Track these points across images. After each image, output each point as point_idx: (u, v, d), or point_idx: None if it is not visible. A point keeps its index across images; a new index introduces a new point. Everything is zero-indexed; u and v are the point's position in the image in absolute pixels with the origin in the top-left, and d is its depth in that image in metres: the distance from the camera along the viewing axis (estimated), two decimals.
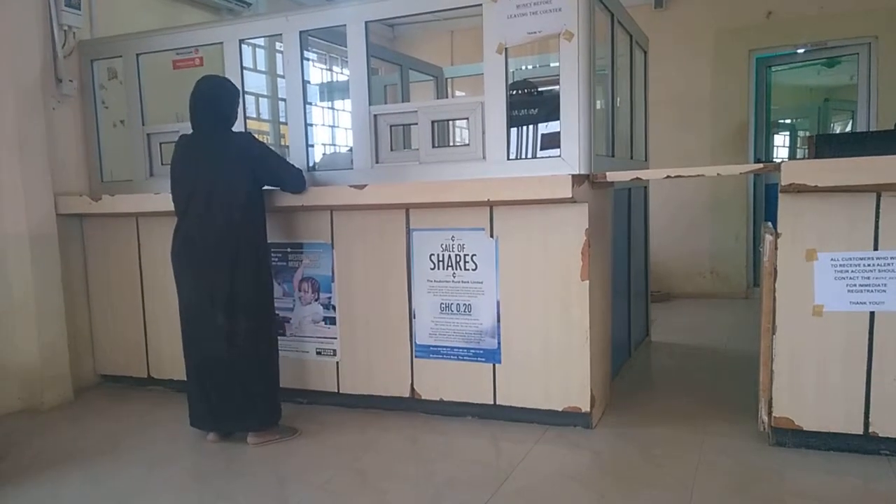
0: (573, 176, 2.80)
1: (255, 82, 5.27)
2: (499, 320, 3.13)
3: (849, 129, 8.24)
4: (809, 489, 2.44)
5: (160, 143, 3.78)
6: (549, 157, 3.11)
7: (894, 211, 2.49)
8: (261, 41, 5.08)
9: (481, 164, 3.06)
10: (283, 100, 4.03)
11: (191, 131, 3.07)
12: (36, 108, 3.63)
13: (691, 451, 2.79)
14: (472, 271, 3.16)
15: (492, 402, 3.19)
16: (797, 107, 9.03)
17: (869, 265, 2.54)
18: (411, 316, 3.29)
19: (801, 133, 9.04)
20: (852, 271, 2.56)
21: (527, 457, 2.80)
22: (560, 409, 3.05)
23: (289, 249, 3.50)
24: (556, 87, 2.98)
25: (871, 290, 2.54)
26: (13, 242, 3.58)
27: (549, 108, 3.48)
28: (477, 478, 2.63)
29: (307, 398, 3.54)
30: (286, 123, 3.58)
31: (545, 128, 3.62)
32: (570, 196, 2.78)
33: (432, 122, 3.20)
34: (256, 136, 3.68)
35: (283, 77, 3.63)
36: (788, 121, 9.08)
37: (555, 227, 2.98)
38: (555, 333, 3.03)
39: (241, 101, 3.20)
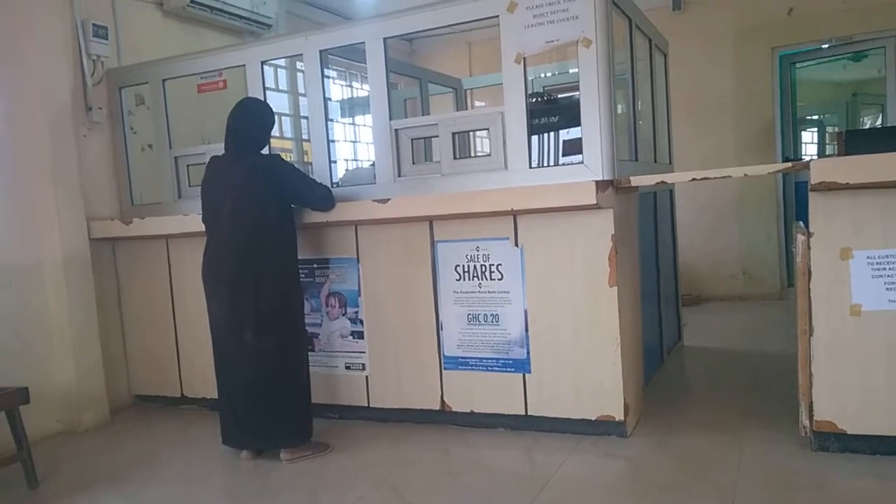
0: (597, 182, 2.77)
1: (277, 101, 5.34)
2: (527, 329, 3.11)
3: (879, 123, 8.07)
4: (857, 496, 2.36)
5: (187, 166, 3.85)
6: (572, 163, 3.10)
7: None
8: (282, 61, 5.15)
9: (503, 173, 3.05)
10: (306, 117, 4.08)
11: (221, 152, 3.13)
12: (68, 136, 3.72)
13: (730, 458, 2.73)
14: (499, 281, 3.14)
15: (523, 413, 3.16)
16: (824, 102, 8.87)
17: None
18: (439, 327, 3.29)
19: (829, 129, 8.87)
20: (890, 269, 2.49)
21: (561, 467, 2.76)
22: (593, 419, 3.02)
23: (315, 265, 3.52)
24: (576, 93, 2.97)
25: None
26: (49, 267, 3.66)
27: (569, 114, 3.46)
28: (511, 490, 2.60)
29: (338, 413, 3.55)
30: (309, 140, 3.62)
31: (566, 134, 3.61)
32: (595, 202, 2.76)
33: (453, 134, 3.20)
34: (281, 154, 3.72)
35: (304, 95, 3.68)
36: (816, 117, 8.92)
37: (580, 234, 2.96)
38: (585, 341, 3.00)
39: (273, 125, 3.25)
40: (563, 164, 3.40)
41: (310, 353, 3.36)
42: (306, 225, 3.33)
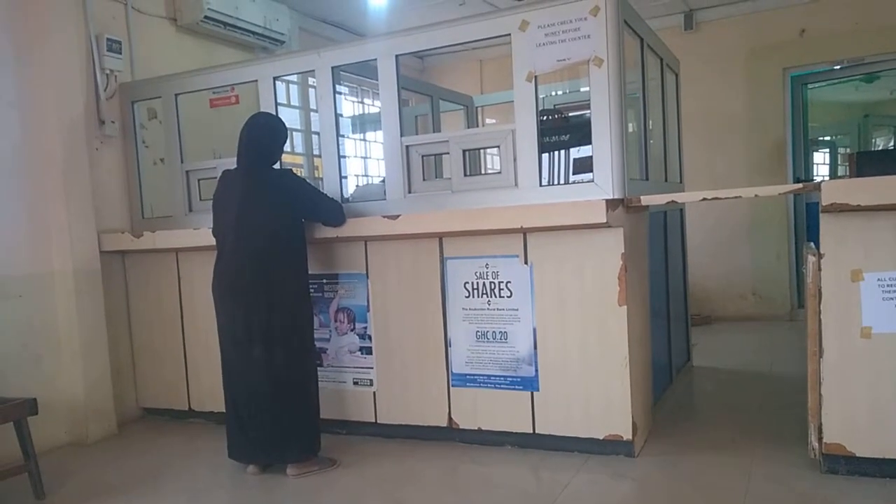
0: (607, 201, 2.77)
1: (288, 117, 5.38)
2: (535, 347, 3.10)
3: (891, 145, 8.03)
4: None
5: (199, 180, 3.88)
6: (582, 182, 3.10)
7: None
8: (294, 77, 5.20)
9: (514, 191, 3.06)
10: (317, 133, 4.10)
11: (234, 166, 3.15)
12: (80, 149, 3.76)
13: (739, 479, 2.70)
14: (508, 298, 3.14)
15: (531, 431, 3.14)
16: (836, 123, 8.84)
17: None
18: (447, 344, 3.28)
19: (841, 150, 8.84)
20: None
21: (568, 486, 2.74)
22: (601, 438, 2.99)
23: (325, 280, 3.53)
24: (588, 111, 2.98)
25: None
26: (59, 279, 3.68)
27: (580, 133, 3.47)
28: None
29: (345, 428, 3.54)
30: (320, 156, 3.64)
31: (577, 152, 3.61)
32: (605, 221, 2.76)
33: (463, 151, 3.21)
34: (293, 169, 3.74)
35: (315, 111, 3.70)
36: (828, 138, 8.89)
37: (590, 253, 2.96)
38: (593, 360, 2.98)
39: (286, 140, 3.27)
40: (574, 183, 3.40)
41: (318, 368, 3.36)
42: (316, 240, 3.34)
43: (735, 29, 6.03)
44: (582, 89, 4.73)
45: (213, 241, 3.18)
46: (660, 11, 5.95)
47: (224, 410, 3.18)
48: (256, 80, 3.66)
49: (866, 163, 3.26)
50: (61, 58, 3.69)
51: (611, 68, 2.85)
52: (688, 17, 6.11)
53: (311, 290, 3.38)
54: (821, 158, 8.85)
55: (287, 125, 3.31)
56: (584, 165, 3.33)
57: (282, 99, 5.11)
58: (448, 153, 3.24)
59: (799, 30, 5.81)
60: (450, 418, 3.30)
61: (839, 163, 8.73)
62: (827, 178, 6.52)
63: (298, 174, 3.65)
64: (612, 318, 2.93)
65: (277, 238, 3.03)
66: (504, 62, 3.14)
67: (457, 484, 2.92)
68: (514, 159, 3.06)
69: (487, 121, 5.77)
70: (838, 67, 6.00)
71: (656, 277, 3.65)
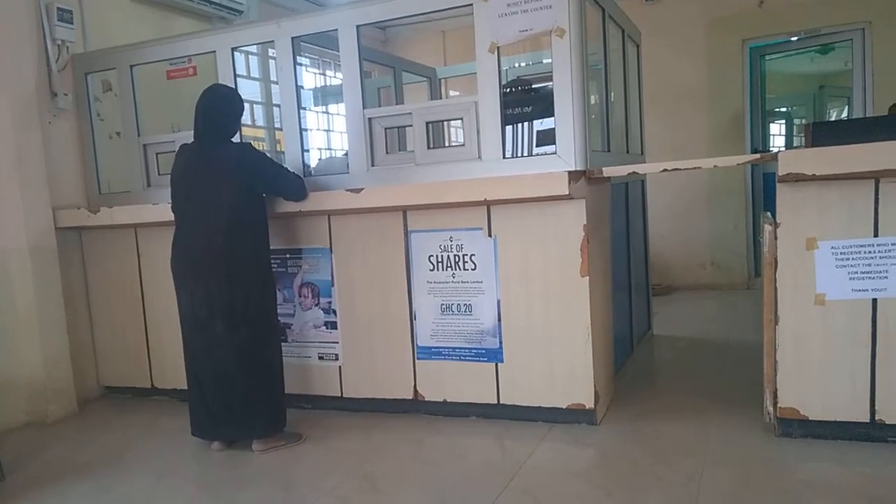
0: (569, 172, 2.79)
1: (248, 89, 5.27)
2: (500, 319, 3.13)
3: (845, 115, 8.22)
4: (818, 479, 2.43)
5: (157, 154, 3.79)
6: (545, 154, 3.11)
7: (893, 197, 2.49)
8: (253, 48, 5.08)
9: (477, 163, 3.06)
10: (278, 106, 4.02)
11: (191, 140, 3.08)
12: (32, 122, 3.63)
13: (698, 444, 2.79)
14: (472, 271, 3.15)
15: (495, 402, 3.19)
16: (793, 95, 9.01)
17: (870, 252, 2.53)
18: (412, 317, 3.29)
19: (797, 121, 9.03)
20: (853, 259, 2.55)
21: (532, 455, 2.80)
22: (564, 407, 3.05)
23: (288, 255, 3.50)
24: (550, 83, 2.98)
25: (873, 277, 2.54)
26: (14, 257, 3.58)
27: (543, 105, 3.48)
28: (483, 478, 2.63)
29: (311, 403, 3.54)
30: (281, 129, 3.58)
31: (540, 124, 3.62)
32: (567, 193, 2.78)
33: (427, 124, 3.20)
34: (253, 143, 3.67)
35: (276, 83, 3.63)
36: (784, 109, 9.06)
37: (553, 224, 2.98)
38: (556, 331, 3.03)
39: (243, 112, 3.21)
40: (537, 155, 3.41)
41: (283, 344, 3.34)
42: (278, 214, 3.30)
43: (695, 0, 6.06)
44: (545, 61, 4.73)
45: (172, 216, 3.12)
46: None
47: (187, 387, 3.15)
48: (214, 51, 3.57)
49: (821, 133, 3.32)
50: (9, 28, 3.54)
51: (573, 39, 2.85)
52: None
53: (274, 266, 3.35)
54: (777, 129, 9.03)
55: (247, 98, 3.24)
56: (547, 137, 3.34)
57: (241, 70, 4.99)
58: (411, 125, 3.22)
59: (757, 1, 5.87)
60: (416, 391, 3.33)
61: (795, 133, 8.92)
62: (783, 149, 6.67)
63: (258, 148, 3.59)
64: (574, 289, 2.97)
65: (237, 213, 2.97)
66: (467, 33, 3.11)
67: (423, 455, 2.95)
68: (478, 132, 3.05)
69: (451, 93, 5.73)
70: (795, 39, 6.09)
71: (618, 248, 3.71)
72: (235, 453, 3.06)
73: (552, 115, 2.97)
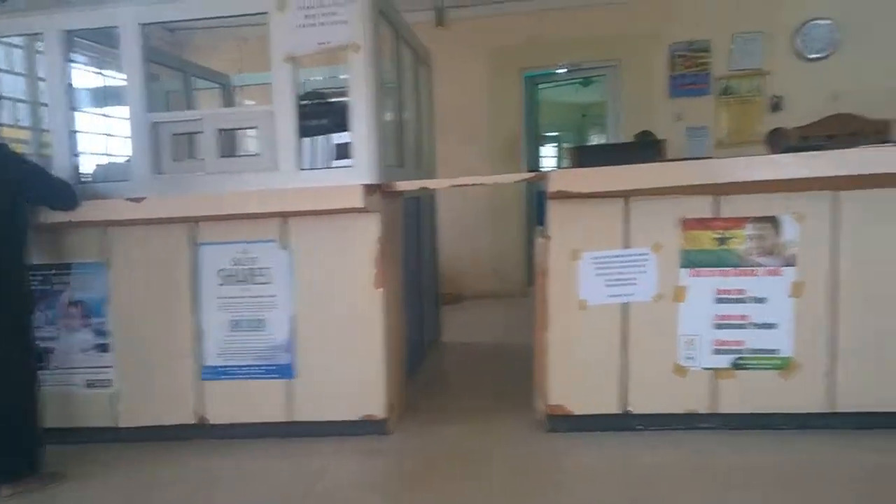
0: (364, 186, 2.86)
1: (11, 85, 4.62)
2: (293, 334, 3.10)
3: (604, 140, 9.35)
4: (580, 467, 2.74)
5: None
6: (341, 167, 3.15)
7: (639, 213, 2.90)
8: (18, 39, 4.48)
9: (273, 174, 3.01)
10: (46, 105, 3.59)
11: None
12: None
13: (482, 444, 2.98)
14: (266, 285, 3.09)
15: (288, 420, 3.13)
16: (562, 121, 10.06)
17: (622, 261, 2.92)
18: (199, 336, 3.13)
19: (565, 144, 10.08)
20: (609, 267, 2.92)
21: (325, 471, 2.79)
22: (357, 419, 3.09)
23: (53, 271, 3.15)
24: (347, 98, 3.03)
25: (624, 284, 2.93)
26: None
27: (338, 118, 3.51)
28: (275, 501, 2.58)
29: (79, 437, 3.17)
30: (48, 131, 3.21)
31: (339, 138, 3.65)
32: (363, 205, 2.85)
33: (219, 131, 3.08)
34: (10, 145, 3.25)
35: (44, 80, 3.25)
36: (555, 133, 10.08)
37: (348, 237, 3.03)
38: (350, 343, 3.06)
39: None
40: (333, 168, 3.44)
41: (41, 371, 2.96)
42: (44, 225, 2.96)
43: (480, 29, 6.51)
44: (342, 77, 4.78)
45: None
46: (414, 6, 6.20)
47: None
48: None
49: (583, 156, 3.76)
50: None
51: (367, 56, 2.93)
52: (440, 13, 6.46)
53: (35, 283, 3.00)
54: (550, 151, 10.00)
55: (8, 94, 2.86)
56: (346, 151, 3.38)
57: (2, 64, 4.37)
58: (202, 132, 3.08)
59: (531, 35, 6.47)
60: (202, 415, 3.16)
61: (564, 156, 9.96)
62: (554, 169, 7.41)
63: (18, 151, 3.19)
64: (368, 301, 3.04)
65: None
66: (266, 43, 3.05)
67: (210, 482, 2.80)
68: (274, 142, 3.01)
69: (248, 103, 5.54)
70: (562, 70, 6.82)
71: (410, 259, 3.86)
72: None
73: (347, 129, 3.02)
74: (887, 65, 5.74)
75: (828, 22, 6.00)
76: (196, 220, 3.07)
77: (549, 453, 2.87)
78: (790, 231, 2.81)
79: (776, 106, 6.15)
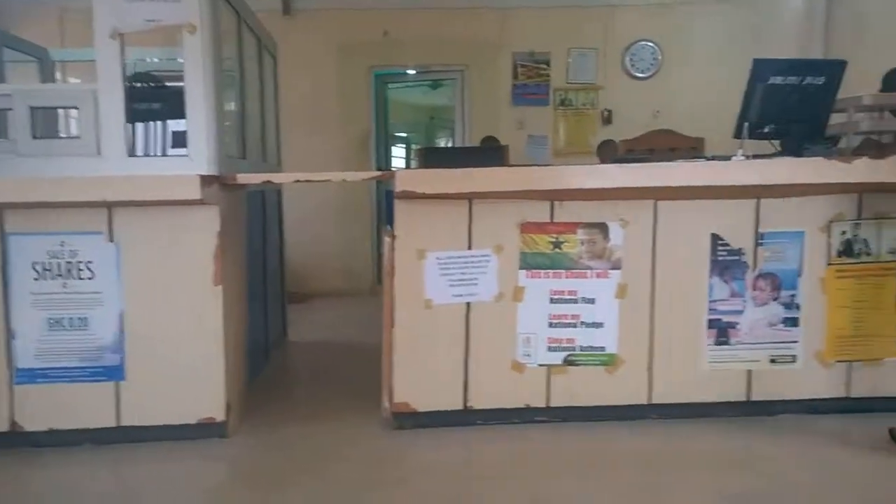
0: (201, 177, 2.71)
1: None
2: (122, 333, 2.86)
3: (450, 143, 9.59)
4: (423, 463, 2.77)
5: None
6: (176, 156, 2.96)
7: (482, 216, 2.99)
8: None
9: (97, 160, 2.76)
10: None
11: None
12: None
13: (326, 444, 2.94)
14: (89, 280, 2.83)
15: (116, 424, 2.89)
16: (411, 122, 10.19)
17: (465, 262, 3.00)
18: (9, 336, 2.80)
19: (414, 146, 10.21)
20: (452, 268, 2.99)
21: (157, 479, 2.62)
22: (194, 422, 2.92)
23: None
24: (182, 82, 2.85)
25: (467, 284, 3.01)
26: None
27: (174, 103, 3.30)
28: None
29: None
30: None
31: (176, 125, 3.42)
32: (199, 197, 2.69)
33: (32, 109, 2.77)
34: None
35: None
36: (405, 134, 10.18)
37: (184, 231, 2.85)
38: (187, 343, 2.89)
39: None
40: (166, 156, 3.23)
41: None
42: None
43: (329, 22, 6.42)
44: (179, 60, 4.49)
45: None
46: None
47: None
48: None
49: (431, 158, 3.85)
50: None
51: (205, 38, 2.77)
52: (286, 2, 6.27)
53: None
54: (399, 152, 10.09)
55: None
56: (183, 139, 3.18)
57: None
58: (11, 109, 2.75)
59: (382, 32, 6.48)
60: (13, 422, 2.83)
61: (412, 156, 10.09)
62: (401, 169, 7.47)
63: None
64: (206, 298, 2.88)
65: None
66: (91, 16, 2.79)
67: (21, 498, 2.52)
68: (97, 125, 2.76)
69: (72, 80, 5.04)
70: (412, 71, 6.90)
71: (254, 256, 3.71)
72: None
73: (183, 115, 2.84)
74: (701, 86, 6.40)
75: (652, 44, 6.59)
76: (2, 208, 2.74)
77: (394, 450, 2.88)
78: (616, 236, 3.03)
79: (607, 119, 6.66)
